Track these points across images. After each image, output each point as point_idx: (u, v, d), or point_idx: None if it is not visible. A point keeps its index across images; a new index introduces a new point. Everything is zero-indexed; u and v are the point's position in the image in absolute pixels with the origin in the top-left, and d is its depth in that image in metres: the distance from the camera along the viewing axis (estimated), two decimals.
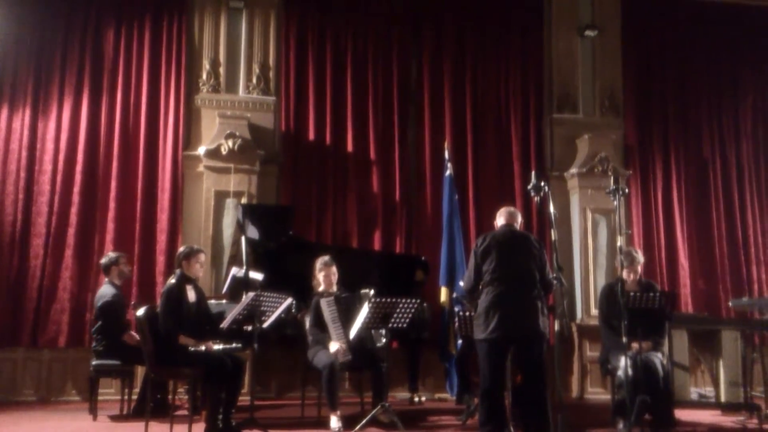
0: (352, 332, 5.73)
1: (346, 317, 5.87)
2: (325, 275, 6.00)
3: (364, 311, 5.51)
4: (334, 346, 5.71)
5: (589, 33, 8.76)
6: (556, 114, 8.70)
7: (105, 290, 6.35)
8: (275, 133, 8.14)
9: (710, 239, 8.74)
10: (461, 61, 8.61)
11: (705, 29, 9.14)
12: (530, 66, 8.75)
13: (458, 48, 8.63)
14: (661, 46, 9.05)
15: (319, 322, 5.88)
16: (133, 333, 6.18)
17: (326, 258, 6.08)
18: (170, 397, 5.93)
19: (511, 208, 5.15)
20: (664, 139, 8.89)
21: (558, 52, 8.83)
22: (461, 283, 5.63)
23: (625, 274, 5.67)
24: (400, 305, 5.51)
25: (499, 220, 5.08)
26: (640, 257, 5.90)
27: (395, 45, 8.51)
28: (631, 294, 5.36)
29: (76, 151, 7.65)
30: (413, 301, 5.57)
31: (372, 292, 6.00)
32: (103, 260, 6.55)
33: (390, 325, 5.54)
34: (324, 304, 5.85)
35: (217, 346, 5.41)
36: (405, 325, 5.62)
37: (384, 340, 5.83)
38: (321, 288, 6.04)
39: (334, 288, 6.03)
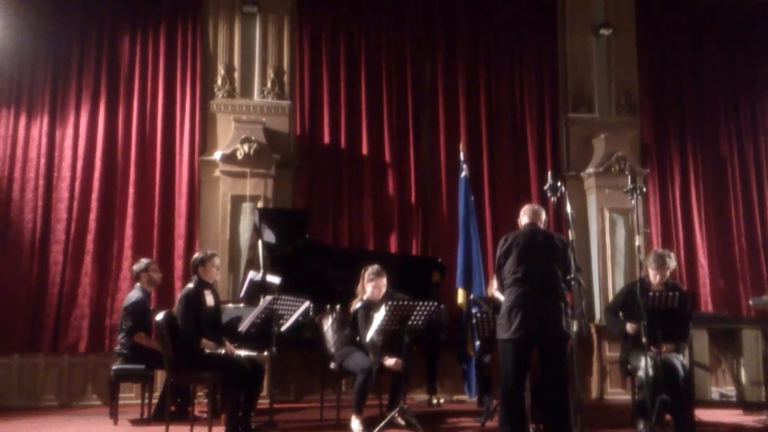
0: (369, 334, 5.71)
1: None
2: (374, 285, 5.90)
3: (381, 314, 5.51)
4: (391, 360, 5.64)
5: (603, 32, 8.71)
6: (572, 113, 8.67)
7: (132, 294, 6.43)
8: (290, 137, 8.17)
9: (729, 237, 8.66)
10: (475, 61, 8.60)
11: (720, 26, 9.07)
12: (545, 66, 8.73)
13: (472, 49, 8.62)
14: (676, 43, 8.99)
15: (357, 328, 5.82)
16: (143, 334, 6.23)
17: (376, 267, 5.99)
18: (190, 402, 5.96)
19: (535, 206, 5.09)
20: (681, 137, 8.82)
21: (573, 51, 8.79)
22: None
23: (651, 276, 5.61)
24: (417, 308, 5.48)
25: (523, 219, 5.04)
26: (672, 263, 5.72)
27: (408, 47, 8.51)
28: (651, 294, 5.32)
29: (94, 157, 7.71)
30: (430, 303, 5.55)
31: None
32: (135, 267, 6.62)
33: (407, 326, 5.52)
34: (382, 310, 5.64)
35: (241, 352, 5.43)
36: (421, 327, 5.60)
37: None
38: (366, 296, 5.94)
39: (380, 298, 5.93)
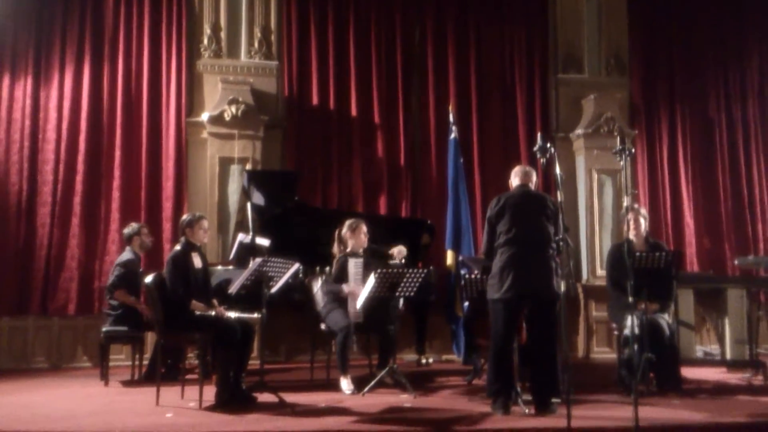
0: (359, 303, 5.75)
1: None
2: (359, 231, 5.97)
3: (371, 282, 5.53)
4: (347, 287, 5.76)
5: None
6: (561, 74, 8.64)
7: (123, 255, 6.47)
8: (278, 98, 8.11)
9: (716, 198, 8.74)
10: (464, 22, 8.52)
11: None
12: (535, 26, 8.67)
13: (461, 9, 8.54)
14: (666, 4, 8.94)
15: (341, 279, 5.89)
16: (123, 291, 6.25)
17: (351, 219, 6.08)
18: (181, 362, 6.01)
19: (526, 168, 5.11)
20: (670, 99, 8.83)
21: (563, 11, 8.73)
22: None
23: (631, 233, 5.67)
24: (407, 275, 5.50)
25: (514, 180, 5.06)
26: (644, 211, 5.91)
27: (398, 7, 8.41)
28: (638, 254, 5.36)
29: (79, 119, 7.63)
30: (420, 271, 5.57)
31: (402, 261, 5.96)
32: (126, 230, 6.62)
33: (397, 294, 5.56)
34: (351, 264, 5.83)
35: (231, 313, 5.45)
36: (412, 294, 5.64)
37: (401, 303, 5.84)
38: (349, 249, 5.99)
39: (360, 250, 5.99)
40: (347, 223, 6.06)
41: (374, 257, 6.12)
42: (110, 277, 6.42)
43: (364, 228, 6.02)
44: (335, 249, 6.11)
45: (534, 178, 5.05)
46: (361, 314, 5.78)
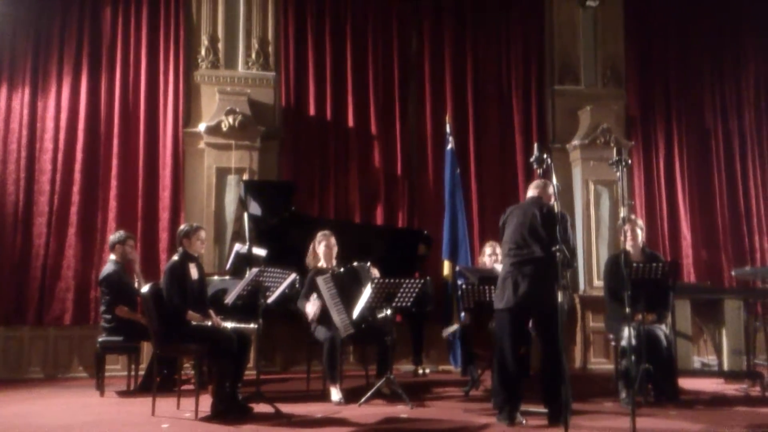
0: (356, 312, 5.76)
1: (344, 292, 5.84)
2: (326, 245, 6.01)
3: (367, 292, 5.53)
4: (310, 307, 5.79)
5: (590, 3, 8.63)
6: (558, 85, 8.66)
7: (106, 267, 6.42)
8: (275, 109, 8.12)
9: (712, 209, 8.75)
10: (461, 33, 8.55)
11: None
12: (531, 37, 8.69)
13: (458, 20, 8.57)
14: (662, 15, 8.98)
15: (310, 295, 5.90)
16: (126, 308, 6.23)
17: (324, 231, 6.11)
18: (177, 372, 5.99)
19: (539, 181, 5.15)
20: (667, 110, 8.85)
21: (559, 22, 8.75)
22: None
23: (628, 244, 5.68)
24: (404, 285, 5.52)
25: (528, 193, 5.17)
26: (641, 222, 5.97)
27: (395, 17, 8.44)
28: (635, 265, 5.37)
29: (77, 129, 7.63)
30: (417, 281, 5.59)
31: (368, 264, 6.04)
32: (111, 237, 6.62)
33: (394, 304, 5.57)
34: (321, 282, 5.79)
35: (227, 324, 5.44)
36: (409, 304, 5.64)
37: (387, 312, 5.81)
38: (320, 263, 6.03)
39: (333, 262, 6.04)
40: (318, 235, 6.11)
41: (348, 275, 6.03)
42: (101, 293, 6.35)
43: (332, 240, 6.06)
44: (307, 260, 6.13)
45: (549, 191, 5.03)
46: (350, 326, 5.76)
